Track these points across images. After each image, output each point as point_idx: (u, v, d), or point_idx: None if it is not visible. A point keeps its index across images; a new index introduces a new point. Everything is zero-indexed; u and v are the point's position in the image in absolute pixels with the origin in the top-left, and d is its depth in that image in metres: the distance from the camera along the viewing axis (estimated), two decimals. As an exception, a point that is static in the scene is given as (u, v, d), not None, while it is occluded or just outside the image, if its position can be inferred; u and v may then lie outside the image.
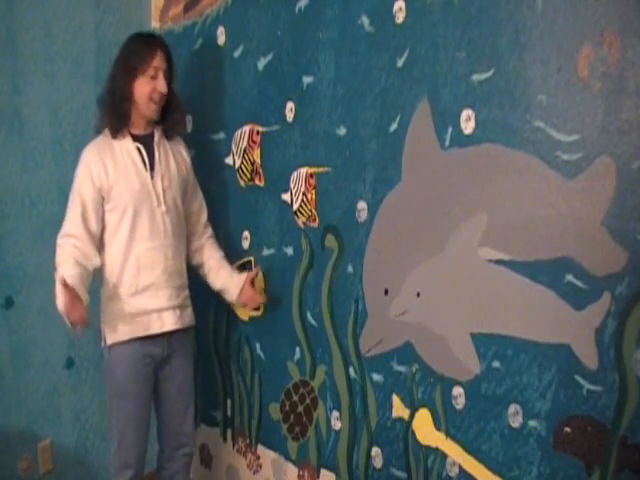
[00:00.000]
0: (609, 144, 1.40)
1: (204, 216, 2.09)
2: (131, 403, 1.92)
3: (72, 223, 1.82)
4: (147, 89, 1.83)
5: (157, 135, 1.92)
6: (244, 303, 2.09)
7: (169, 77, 1.88)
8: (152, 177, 1.87)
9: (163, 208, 1.87)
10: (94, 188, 1.82)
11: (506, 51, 1.53)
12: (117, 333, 1.89)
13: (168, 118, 1.93)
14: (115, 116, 1.85)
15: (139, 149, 1.87)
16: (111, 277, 1.89)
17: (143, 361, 1.91)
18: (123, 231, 1.85)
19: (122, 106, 1.84)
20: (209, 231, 2.11)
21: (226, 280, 2.06)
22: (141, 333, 1.89)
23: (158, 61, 1.83)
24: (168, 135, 1.96)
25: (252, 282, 2.08)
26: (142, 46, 1.84)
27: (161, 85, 1.83)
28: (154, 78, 1.83)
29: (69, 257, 1.78)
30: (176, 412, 2.05)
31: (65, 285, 1.66)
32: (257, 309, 2.16)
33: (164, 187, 1.88)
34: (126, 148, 1.87)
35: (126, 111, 1.85)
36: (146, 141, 1.89)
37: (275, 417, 2.23)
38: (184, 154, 2.01)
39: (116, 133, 1.87)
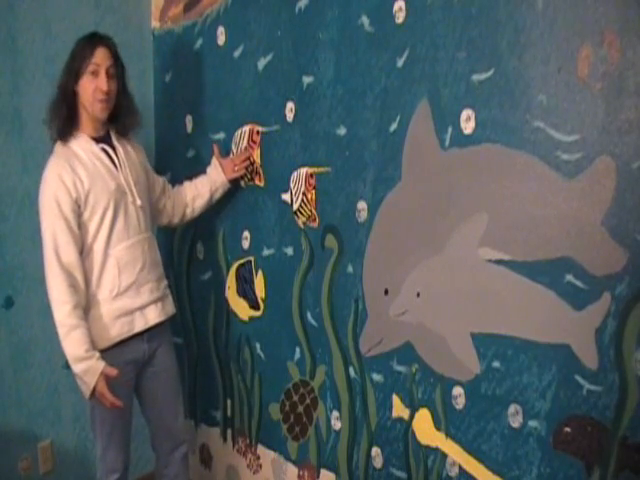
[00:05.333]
0: (609, 144, 1.40)
1: (164, 184, 2.11)
2: (115, 410, 1.86)
3: (66, 254, 1.72)
4: (90, 88, 1.75)
5: (113, 135, 1.88)
6: (232, 171, 2.11)
7: (116, 75, 1.80)
8: (123, 176, 1.85)
9: (138, 202, 1.86)
10: (72, 201, 1.73)
11: (506, 51, 1.53)
12: (97, 341, 1.80)
13: (120, 119, 1.87)
14: (63, 119, 1.77)
15: (105, 150, 1.82)
16: (89, 285, 1.80)
17: (124, 369, 1.84)
18: (102, 235, 1.80)
19: (70, 108, 1.78)
20: (170, 186, 2.14)
21: (207, 180, 2.12)
22: (124, 335, 1.84)
23: (98, 57, 1.74)
24: (121, 134, 1.91)
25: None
26: (82, 45, 1.77)
27: (102, 82, 1.75)
28: (95, 75, 1.75)
29: (75, 318, 1.72)
30: (166, 410, 2.03)
31: (107, 375, 1.71)
32: (248, 175, 2.16)
33: (135, 182, 1.87)
34: (91, 151, 1.80)
35: (74, 114, 1.79)
36: (105, 142, 1.84)
37: (275, 417, 2.23)
38: (137, 146, 1.99)
39: (66, 136, 1.78)
